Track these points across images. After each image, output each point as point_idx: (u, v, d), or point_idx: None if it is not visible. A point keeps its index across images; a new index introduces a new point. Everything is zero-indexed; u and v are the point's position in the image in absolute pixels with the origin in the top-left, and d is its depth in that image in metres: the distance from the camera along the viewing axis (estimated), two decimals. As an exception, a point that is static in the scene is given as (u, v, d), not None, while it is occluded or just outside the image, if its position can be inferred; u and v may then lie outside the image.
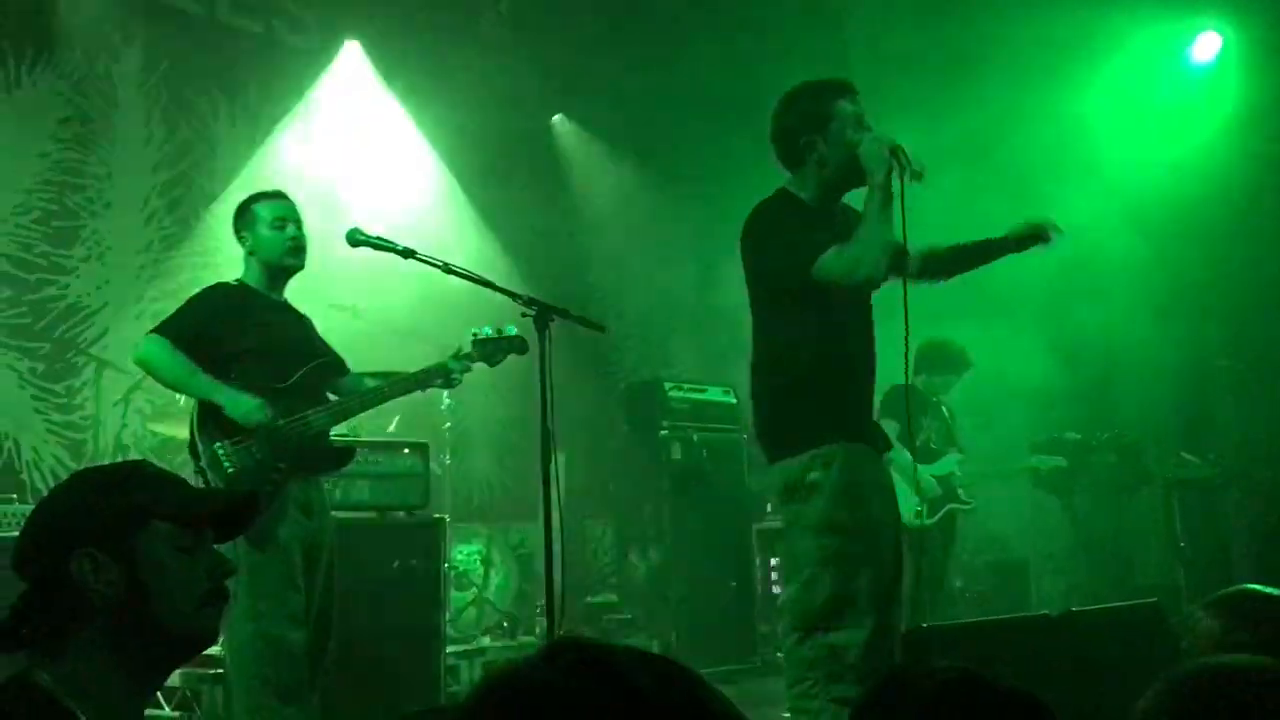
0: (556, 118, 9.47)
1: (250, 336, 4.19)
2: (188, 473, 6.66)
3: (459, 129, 8.62)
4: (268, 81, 8.04)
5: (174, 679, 5.34)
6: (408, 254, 4.15)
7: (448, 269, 4.10)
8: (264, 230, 4.30)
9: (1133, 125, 8.52)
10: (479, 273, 4.29)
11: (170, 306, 7.30)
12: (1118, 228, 8.10)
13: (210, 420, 4.03)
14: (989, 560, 7.28)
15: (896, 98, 8.55)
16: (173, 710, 5.30)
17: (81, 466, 6.61)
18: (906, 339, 3.64)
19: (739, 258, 3.73)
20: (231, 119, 7.87)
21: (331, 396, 4.39)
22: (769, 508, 8.61)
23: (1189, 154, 8.19)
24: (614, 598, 7.65)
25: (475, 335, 4.37)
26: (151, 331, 4.16)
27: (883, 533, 3.54)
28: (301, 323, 4.46)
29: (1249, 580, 6.85)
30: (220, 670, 5.29)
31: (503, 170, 8.77)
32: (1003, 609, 6.85)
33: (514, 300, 4.05)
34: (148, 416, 6.68)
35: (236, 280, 4.38)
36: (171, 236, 7.51)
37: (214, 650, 5.42)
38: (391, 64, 8.45)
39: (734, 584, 7.47)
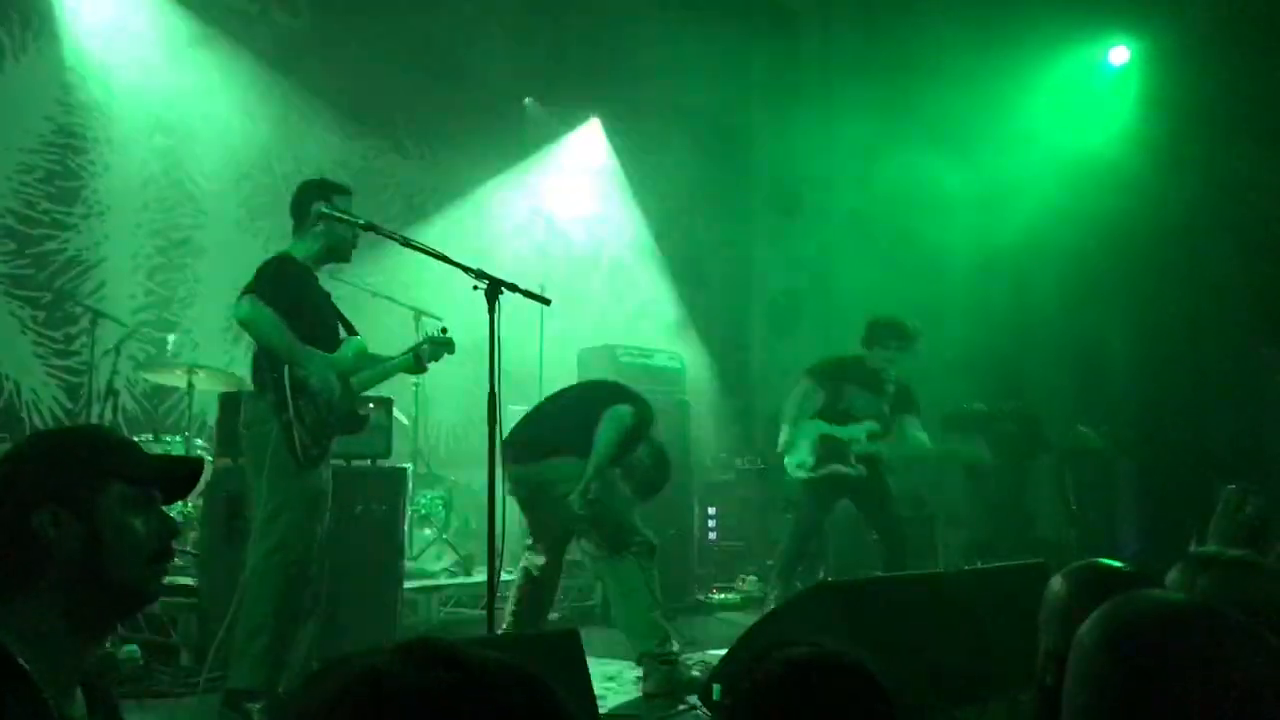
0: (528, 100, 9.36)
1: (311, 312, 4.32)
2: (171, 417, 6.61)
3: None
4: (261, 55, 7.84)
5: (154, 606, 5.27)
6: (369, 227, 4.10)
7: (406, 243, 4.02)
8: (341, 223, 4.33)
9: (1058, 120, 8.50)
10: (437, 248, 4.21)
11: (166, 262, 7.31)
12: (1034, 218, 8.11)
13: (296, 379, 4.17)
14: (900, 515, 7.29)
15: (847, 96, 8.60)
16: (151, 634, 5.21)
17: (78, 408, 6.54)
18: None
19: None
20: (224, 79, 7.66)
21: None
22: (708, 462, 8.63)
23: (1100, 147, 8.20)
24: (563, 540, 7.61)
25: (429, 335, 4.83)
26: (250, 294, 4.14)
27: None
28: (331, 300, 4.57)
29: (1131, 540, 6.93)
30: (196, 600, 5.24)
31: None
32: (910, 560, 6.88)
33: (466, 273, 3.96)
34: (139, 364, 6.56)
35: (289, 254, 4.36)
36: (166, 199, 7.36)
37: (190, 580, 5.41)
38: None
39: (673, 531, 7.45)
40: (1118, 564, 1.96)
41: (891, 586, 4.38)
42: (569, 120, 9.58)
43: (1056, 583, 1.93)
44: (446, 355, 4.81)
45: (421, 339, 4.92)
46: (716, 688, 4.26)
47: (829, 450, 6.34)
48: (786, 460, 6.48)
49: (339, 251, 4.47)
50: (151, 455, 1.86)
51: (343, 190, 4.46)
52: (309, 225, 4.34)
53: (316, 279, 4.46)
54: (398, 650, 0.91)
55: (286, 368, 4.17)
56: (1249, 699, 1.15)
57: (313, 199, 4.33)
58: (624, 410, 5.07)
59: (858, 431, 6.38)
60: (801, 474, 6.39)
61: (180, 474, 1.85)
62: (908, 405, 6.56)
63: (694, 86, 8.67)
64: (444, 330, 4.87)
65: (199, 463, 1.94)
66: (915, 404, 6.59)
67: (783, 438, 6.45)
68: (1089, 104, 8.65)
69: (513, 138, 9.22)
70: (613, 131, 9.62)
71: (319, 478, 4.28)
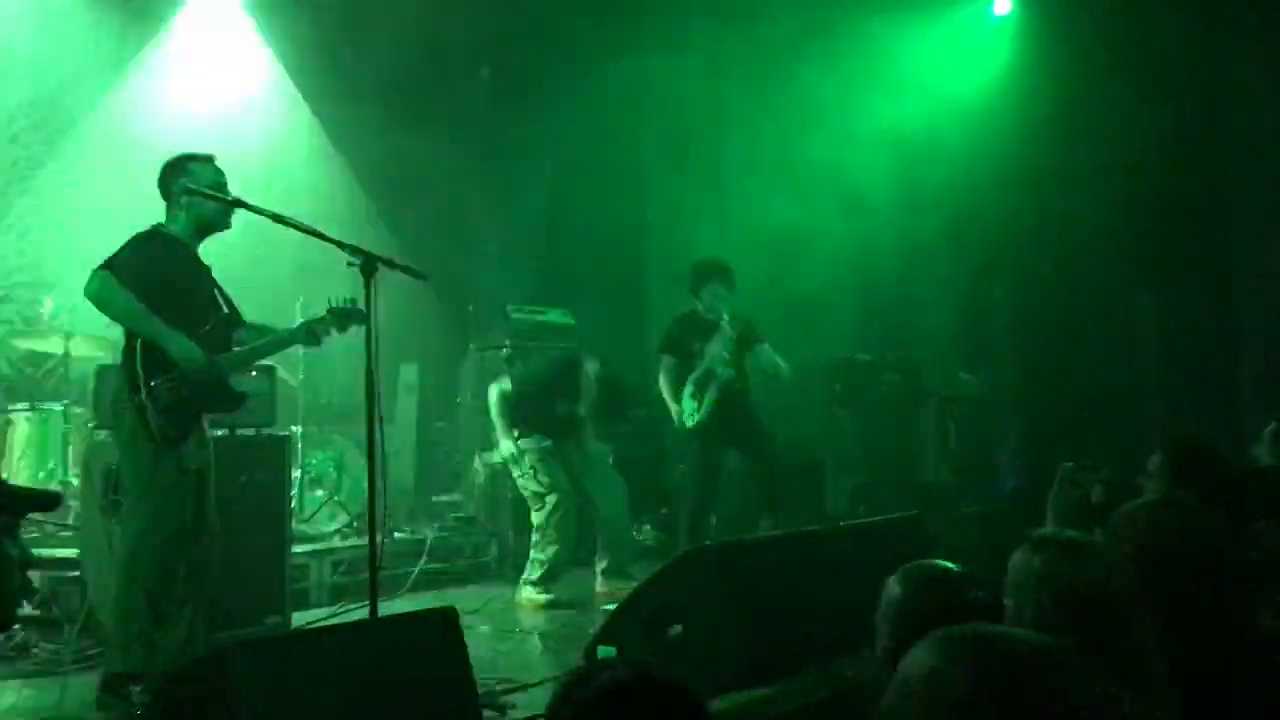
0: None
1: (179, 286, 4.20)
2: (49, 382, 6.41)
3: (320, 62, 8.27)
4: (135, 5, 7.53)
5: (35, 580, 5.17)
6: (236, 203, 4.01)
7: (278, 219, 3.94)
8: (203, 192, 4.19)
9: (941, 68, 8.57)
10: (313, 220, 4.14)
11: (38, 223, 7.04)
12: (915, 168, 8.23)
13: (151, 358, 4.06)
14: (789, 463, 7.42)
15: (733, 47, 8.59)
16: (33, 609, 5.12)
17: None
18: None
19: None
20: (97, 41, 7.35)
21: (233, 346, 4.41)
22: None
23: (981, 95, 8.31)
24: (459, 496, 7.66)
25: (331, 305, 4.44)
26: (102, 269, 4.05)
27: None
28: (210, 276, 4.43)
29: (1009, 480, 7.18)
30: (78, 573, 5.15)
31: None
32: (797, 506, 7.04)
33: (341, 249, 3.90)
34: (14, 330, 6.36)
35: (163, 228, 4.25)
36: (36, 156, 7.07)
37: (72, 553, 5.31)
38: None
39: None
40: (951, 565, 2.06)
41: (766, 547, 4.51)
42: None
43: (893, 583, 2.01)
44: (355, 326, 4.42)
45: (323, 310, 4.49)
46: (601, 649, 4.36)
47: (700, 387, 6.39)
48: (679, 419, 6.50)
49: (213, 223, 4.31)
50: (24, 488, 1.88)
51: (202, 159, 4.28)
52: (176, 201, 4.22)
53: (192, 252, 4.33)
54: None
55: (139, 345, 4.07)
56: None
57: (175, 176, 4.20)
58: None
59: (714, 356, 6.37)
60: (691, 420, 6.40)
61: (43, 504, 1.88)
62: (754, 338, 6.52)
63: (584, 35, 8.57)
64: (352, 301, 4.38)
65: (58, 496, 2.00)
66: (760, 334, 6.55)
67: (676, 411, 6.49)
68: (971, 52, 8.75)
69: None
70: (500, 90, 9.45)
71: (186, 456, 4.17)
